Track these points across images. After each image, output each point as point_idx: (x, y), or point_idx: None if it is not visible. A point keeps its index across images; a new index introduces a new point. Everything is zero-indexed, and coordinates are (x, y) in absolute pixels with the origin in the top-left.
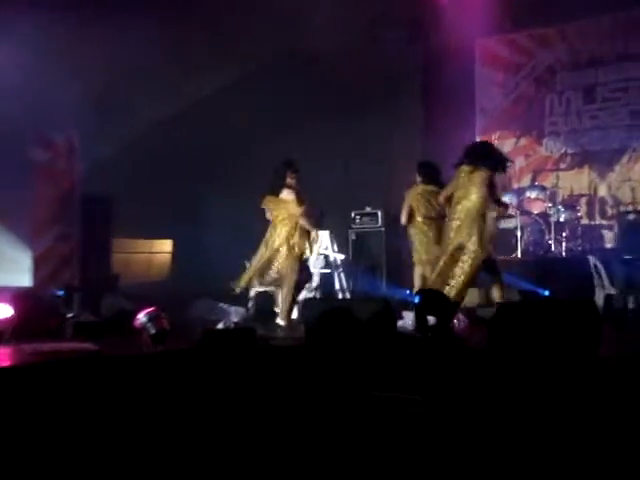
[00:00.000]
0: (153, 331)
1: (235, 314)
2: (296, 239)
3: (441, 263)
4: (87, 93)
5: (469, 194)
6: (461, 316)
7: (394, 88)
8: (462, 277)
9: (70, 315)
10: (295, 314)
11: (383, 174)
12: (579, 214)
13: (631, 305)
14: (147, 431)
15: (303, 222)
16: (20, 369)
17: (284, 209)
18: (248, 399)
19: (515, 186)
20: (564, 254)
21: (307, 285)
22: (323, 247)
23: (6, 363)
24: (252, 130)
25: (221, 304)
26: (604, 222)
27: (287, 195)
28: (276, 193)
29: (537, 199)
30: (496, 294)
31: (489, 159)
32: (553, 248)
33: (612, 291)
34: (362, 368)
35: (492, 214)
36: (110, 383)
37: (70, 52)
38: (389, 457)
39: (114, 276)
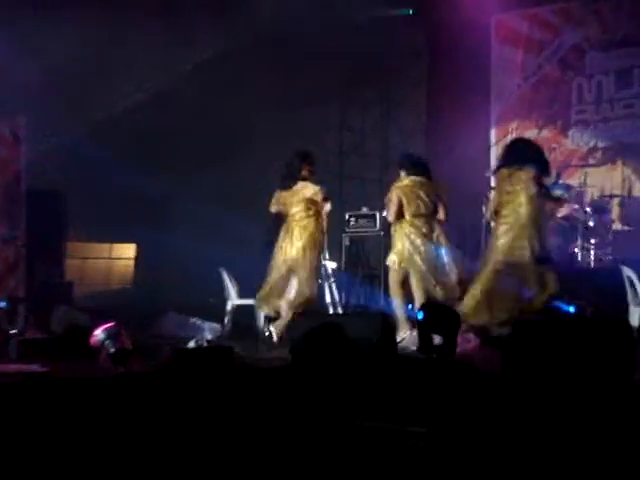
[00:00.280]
0: (112, 350)
1: (209, 331)
2: (319, 240)
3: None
4: (37, 76)
5: (516, 197)
6: (471, 335)
7: (393, 74)
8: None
9: (14, 331)
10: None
11: (381, 170)
12: (611, 218)
13: None
14: (103, 467)
15: (324, 216)
16: None
17: (303, 202)
18: (223, 429)
19: None
20: (592, 264)
21: None
22: None
23: None
24: (228, 122)
25: (193, 319)
26: None
27: (304, 187)
28: (289, 187)
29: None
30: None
31: (532, 158)
32: (580, 257)
33: None
34: (356, 394)
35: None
36: (61, 411)
37: (20, 34)
38: None
39: (67, 285)
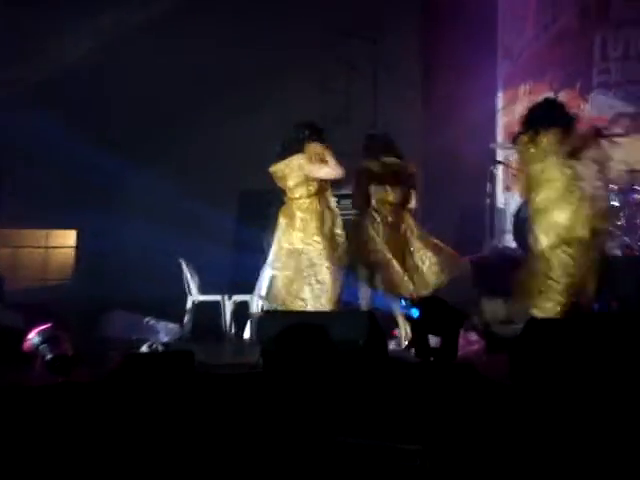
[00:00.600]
0: (49, 356)
1: (166, 332)
2: (330, 221)
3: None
4: None
5: (543, 168)
6: (475, 335)
7: (384, 29)
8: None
9: None
10: (247, 331)
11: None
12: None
13: None
14: None
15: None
16: None
17: (300, 173)
18: (182, 446)
19: None
20: (618, 252)
21: (262, 294)
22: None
23: None
24: (190, 92)
25: (146, 318)
26: None
27: (306, 160)
28: (284, 158)
29: None
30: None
31: (551, 117)
32: None
33: None
34: (339, 405)
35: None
36: None
37: None
38: None
39: None
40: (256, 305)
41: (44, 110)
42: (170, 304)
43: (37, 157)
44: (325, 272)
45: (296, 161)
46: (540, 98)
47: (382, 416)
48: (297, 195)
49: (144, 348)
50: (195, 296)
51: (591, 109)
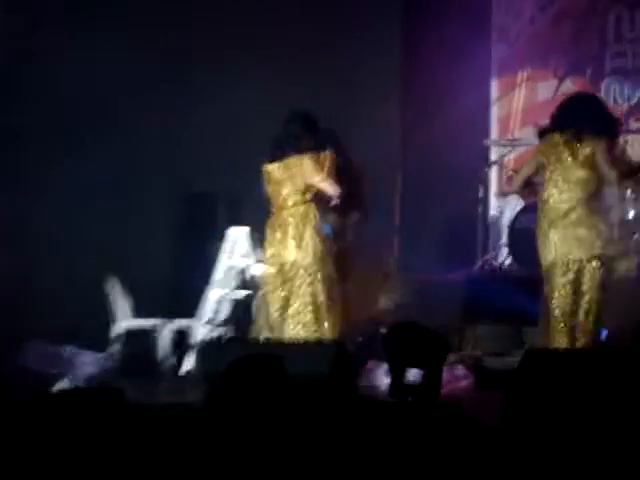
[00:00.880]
0: None
1: (88, 364)
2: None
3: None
4: None
5: (577, 175)
6: (462, 369)
7: (360, 11)
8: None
9: None
10: (189, 363)
11: (341, 134)
12: None
13: None
14: None
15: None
16: None
17: (300, 178)
18: None
19: None
20: (634, 272)
21: (207, 319)
22: (238, 254)
23: None
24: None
25: (66, 348)
26: None
27: (305, 161)
28: (281, 159)
29: None
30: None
31: (599, 121)
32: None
33: None
34: (300, 452)
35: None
36: None
37: None
38: None
39: None
40: (199, 333)
41: None
42: (95, 330)
43: None
44: (320, 289)
45: (297, 166)
46: (541, 87)
47: (348, 467)
48: (291, 203)
49: (61, 384)
50: (126, 321)
51: (604, 99)
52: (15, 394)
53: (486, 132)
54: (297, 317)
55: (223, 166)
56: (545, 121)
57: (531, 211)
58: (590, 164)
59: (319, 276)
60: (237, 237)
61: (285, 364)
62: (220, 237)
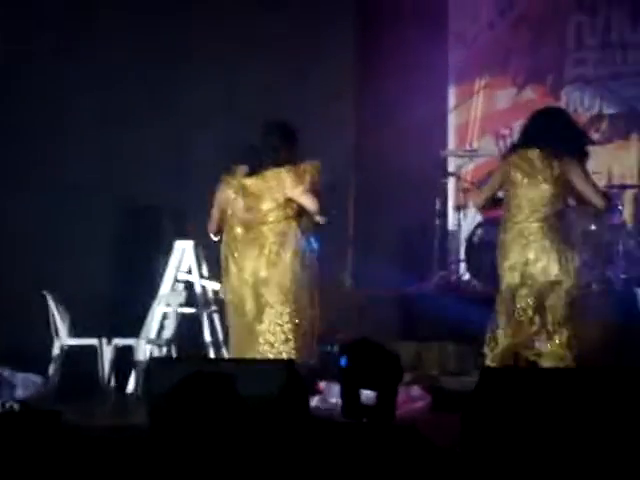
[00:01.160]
0: None
1: (24, 386)
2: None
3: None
4: None
5: (540, 191)
6: (418, 389)
7: (311, 6)
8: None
9: None
10: (132, 383)
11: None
12: (622, 218)
13: None
14: None
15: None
16: None
17: (279, 191)
18: None
19: None
20: (594, 286)
21: (151, 337)
22: (184, 269)
23: None
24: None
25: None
26: None
27: (284, 174)
28: (259, 172)
29: None
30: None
31: (568, 138)
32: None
33: None
34: (250, 475)
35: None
36: None
37: None
38: None
39: None
40: (143, 351)
41: None
42: (31, 350)
43: None
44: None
45: (275, 179)
46: (500, 95)
47: None
48: (271, 219)
49: None
50: (64, 339)
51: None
52: None
53: (443, 140)
54: (266, 336)
55: (167, 178)
56: (504, 130)
57: (489, 224)
58: (561, 182)
59: (292, 297)
60: (184, 250)
61: (235, 384)
62: (166, 251)
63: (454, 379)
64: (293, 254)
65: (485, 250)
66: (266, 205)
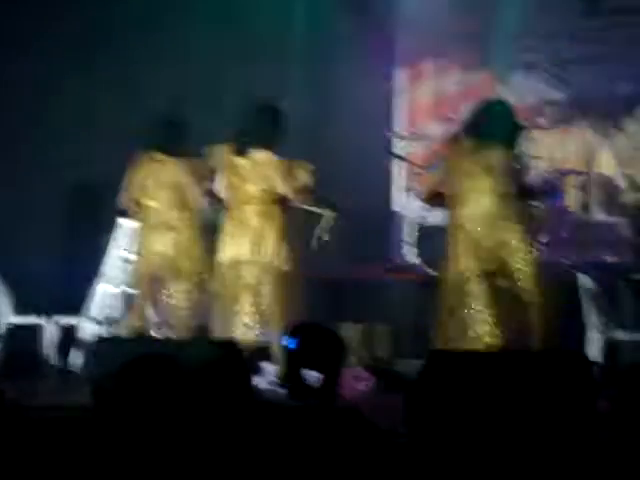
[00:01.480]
0: None
1: None
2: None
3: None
4: None
5: (483, 184)
6: (363, 372)
7: None
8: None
9: None
10: (75, 362)
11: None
12: (564, 203)
13: None
14: None
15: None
16: None
17: (268, 178)
18: None
19: None
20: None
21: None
22: (128, 245)
23: None
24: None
25: None
26: (608, 218)
27: (275, 164)
28: (242, 153)
29: None
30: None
31: (507, 128)
32: None
33: (619, 335)
34: (190, 458)
35: None
36: None
37: None
38: None
39: None
40: (86, 330)
41: None
42: None
43: None
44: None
45: (265, 165)
46: (444, 79)
47: (243, 473)
48: (256, 200)
49: None
50: (6, 318)
51: (509, 94)
52: None
53: (388, 123)
54: (245, 317)
55: (109, 155)
56: (452, 116)
57: (438, 209)
58: (498, 172)
59: (273, 279)
60: (127, 228)
61: (178, 362)
62: (108, 229)
63: (403, 361)
64: (277, 237)
65: (434, 234)
66: (253, 188)
